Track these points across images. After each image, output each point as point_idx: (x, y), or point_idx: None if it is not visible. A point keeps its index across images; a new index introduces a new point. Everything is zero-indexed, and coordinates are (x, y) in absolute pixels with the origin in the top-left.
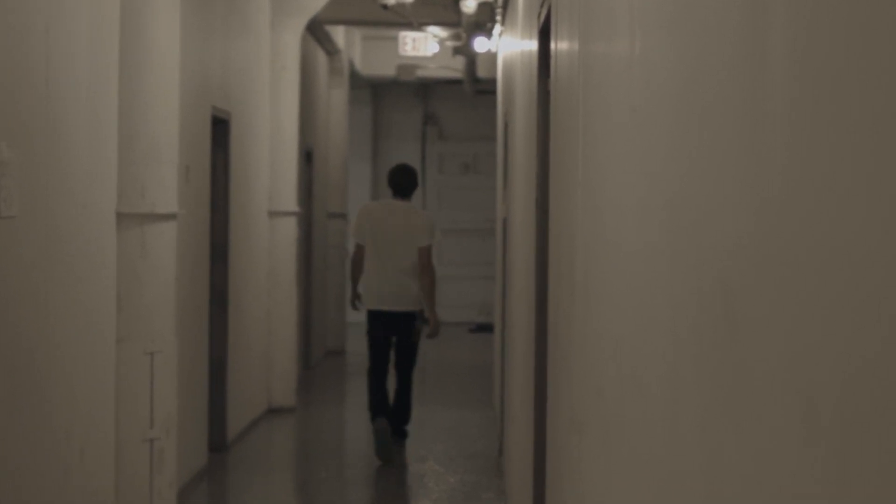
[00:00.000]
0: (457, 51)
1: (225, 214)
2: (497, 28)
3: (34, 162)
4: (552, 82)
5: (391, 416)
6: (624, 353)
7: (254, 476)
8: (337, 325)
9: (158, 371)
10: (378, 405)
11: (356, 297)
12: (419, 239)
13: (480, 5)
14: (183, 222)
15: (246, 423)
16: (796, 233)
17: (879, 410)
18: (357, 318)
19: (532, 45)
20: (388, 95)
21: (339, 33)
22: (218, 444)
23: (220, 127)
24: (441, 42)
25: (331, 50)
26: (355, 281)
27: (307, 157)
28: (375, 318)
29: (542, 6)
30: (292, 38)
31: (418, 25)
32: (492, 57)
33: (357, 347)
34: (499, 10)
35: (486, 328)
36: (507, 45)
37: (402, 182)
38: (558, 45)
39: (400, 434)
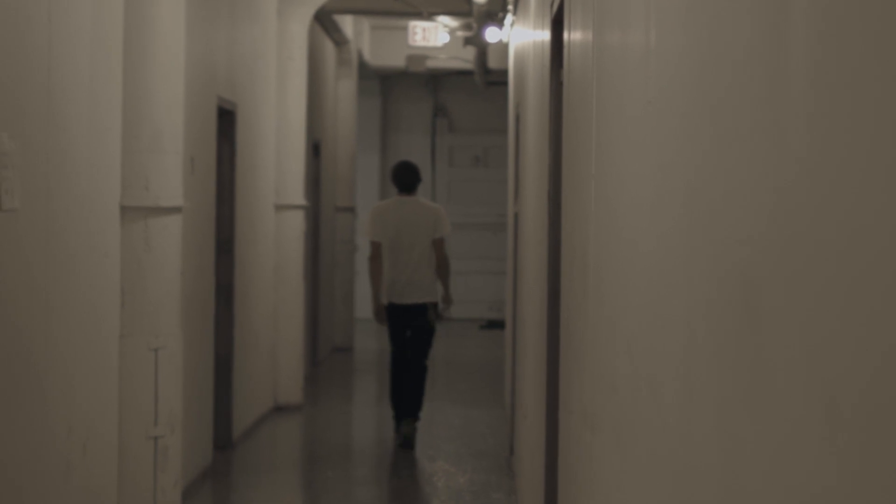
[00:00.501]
0: (467, 41)
1: (231, 208)
2: (509, 17)
3: (35, 153)
4: (565, 73)
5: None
6: (638, 349)
7: (259, 475)
8: (345, 321)
9: (163, 367)
10: (401, 405)
11: (381, 309)
12: (433, 231)
13: None
14: (188, 215)
15: (252, 420)
16: (815, 223)
17: None
18: (365, 315)
19: (544, 35)
20: (397, 87)
21: (347, 23)
22: (223, 442)
23: (226, 118)
24: (451, 32)
25: (339, 40)
26: (378, 285)
27: (314, 150)
28: (394, 311)
29: None
30: (300, 28)
31: (428, 15)
32: (503, 47)
33: (365, 344)
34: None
35: (496, 324)
36: (519, 35)
37: (406, 178)
38: (571, 36)
39: (411, 418)
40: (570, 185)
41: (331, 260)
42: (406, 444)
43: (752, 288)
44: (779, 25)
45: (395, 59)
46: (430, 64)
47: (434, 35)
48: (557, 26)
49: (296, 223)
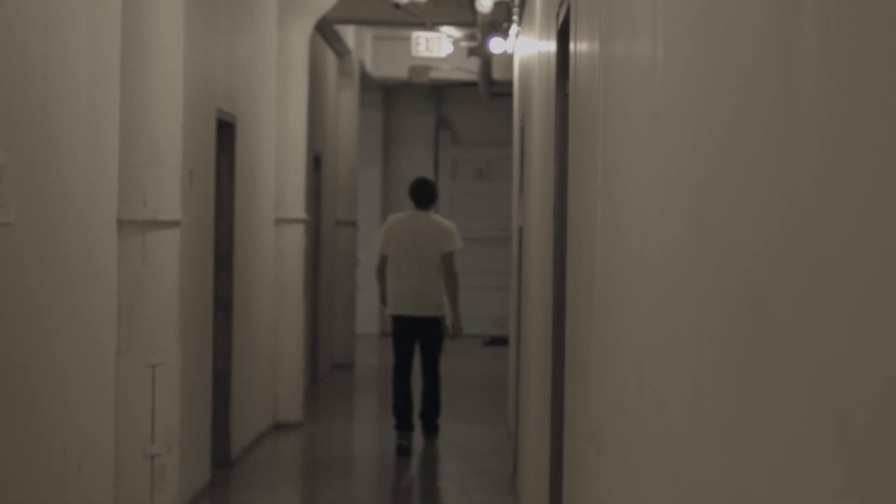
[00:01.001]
0: (471, 52)
1: (230, 221)
2: (513, 28)
3: (31, 166)
4: (571, 85)
5: (412, 425)
6: (645, 366)
7: (258, 493)
8: (345, 337)
9: (160, 384)
10: (402, 413)
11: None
12: (443, 246)
13: (496, 4)
14: (186, 229)
15: (251, 438)
16: (825, 237)
17: None
18: (366, 331)
19: (550, 46)
20: (399, 98)
21: (349, 33)
22: (221, 460)
23: (225, 130)
24: (455, 42)
25: (340, 50)
26: (384, 289)
27: (315, 162)
28: (400, 322)
29: (560, 6)
30: (300, 38)
31: (431, 25)
32: (508, 58)
33: (366, 360)
34: (515, 10)
35: (500, 341)
36: (524, 46)
37: (422, 194)
38: (578, 47)
39: (431, 428)
40: (576, 199)
41: (331, 275)
42: (404, 449)
43: (760, 303)
44: (788, 36)
45: (397, 70)
46: (434, 75)
47: (437, 46)
48: (563, 37)
49: (296, 237)
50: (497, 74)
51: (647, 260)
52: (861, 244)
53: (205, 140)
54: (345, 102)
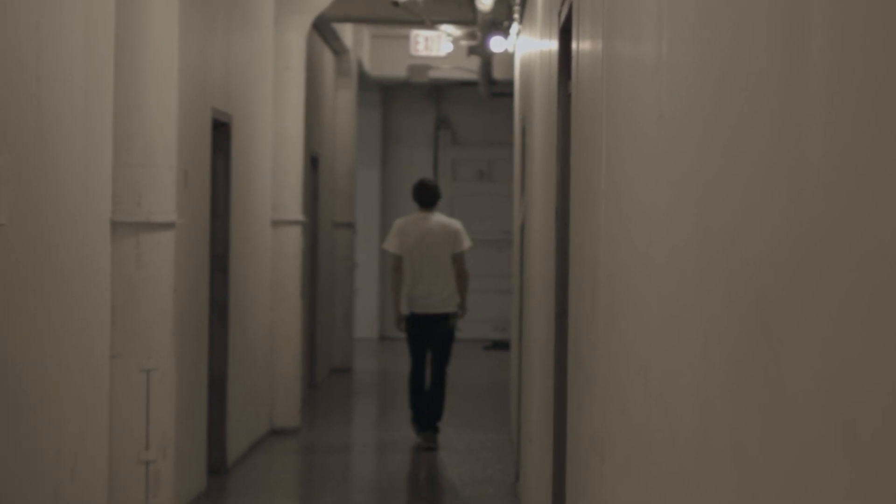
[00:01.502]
0: (472, 50)
1: (226, 223)
2: (514, 26)
3: (24, 166)
4: (573, 85)
5: (433, 425)
6: (650, 371)
7: (255, 501)
8: (344, 341)
9: (155, 389)
10: (421, 416)
11: (401, 318)
12: (454, 245)
13: (497, 2)
14: (181, 231)
15: (247, 444)
16: (834, 242)
17: None
18: (365, 335)
19: (552, 44)
20: (398, 98)
21: (346, 32)
22: (217, 466)
23: (221, 130)
24: (455, 41)
25: (338, 49)
26: (398, 296)
27: (313, 163)
28: (414, 321)
29: (563, 4)
30: (297, 37)
31: (431, 23)
32: (509, 57)
33: (365, 365)
34: (516, 8)
35: (501, 345)
36: (526, 45)
37: (427, 195)
38: (580, 46)
39: (433, 430)
40: (579, 201)
41: (329, 277)
42: (430, 448)
43: (768, 306)
44: (797, 36)
45: (396, 70)
46: (433, 74)
47: (437, 44)
48: (565, 36)
49: (293, 239)
50: (498, 74)
51: (653, 263)
52: (870, 248)
53: (200, 140)
54: (342, 102)
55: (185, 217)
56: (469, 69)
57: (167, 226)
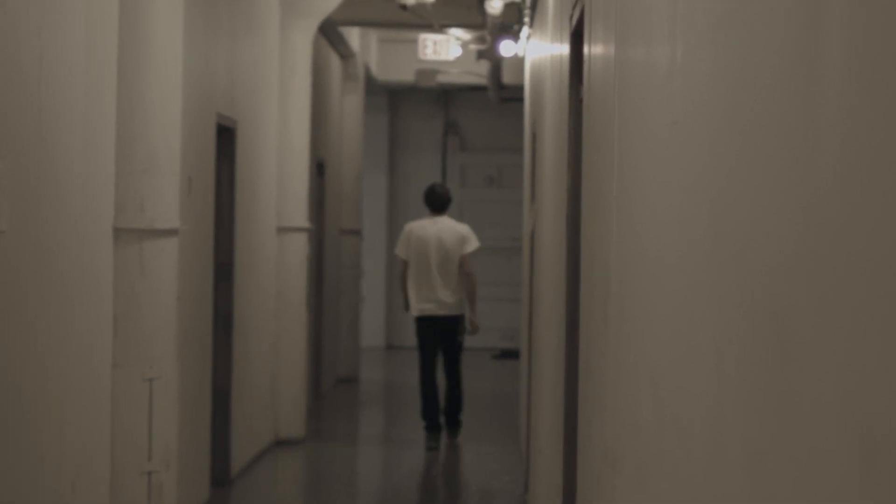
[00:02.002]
0: (481, 55)
1: (230, 230)
2: (525, 30)
3: (25, 172)
4: (585, 90)
5: (442, 425)
6: (663, 382)
7: None
8: (350, 350)
9: (157, 399)
10: (430, 413)
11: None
12: (461, 248)
13: (507, 6)
14: (185, 238)
15: (251, 455)
16: (849, 249)
17: None
18: (372, 344)
19: (563, 49)
20: (406, 102)
21: (353, 35)
22: (221, 478)
23: (226, 135)
24: (464, 45)
25: (345, 53)
26: (407, 293)
27: (319, 169)
28: (423, 323)
29: (574, 7)
30: (303, 41)
31: (439, 27)
32: (519, 62)
33: (372, 375)
34: (527, 11)
35: (510, 354)
36: (536, 49)
37: (438, 200)
38: (592, 50)
39: (454, 424)
40: (591, 208)
41: (335, 286)
42: (449, 441)
43: (782, 315)
44: (812, 42)
45: (404, 74)
46: (441, 79)
47: (445, 48)
48: (577, 40)
49: (299, 247)
50: (507, 78)
51: (665, 271)
52: (885, 252)
53: (204, 146)
54: (349, 107)
55: (188, 224)
56: (478, 73)
57: (171, 233)
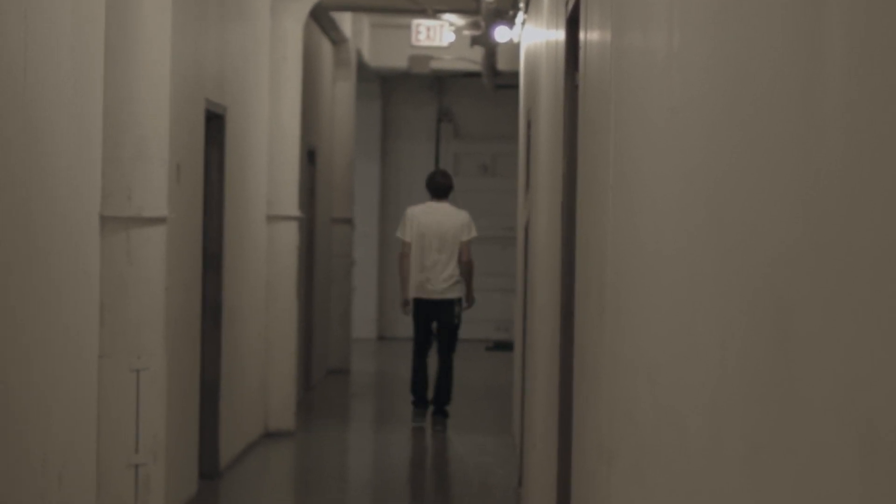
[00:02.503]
0: (475, 41)
1: (219, 219)
2: (520, 16)
3: (10, 160)
4: (581, 77)
5: (429, 402)
6: (660, 374)
7: None
8: (341, 341)
9: (145, 390)
10: (419, 389)
11: (408, 302)
12: (460, 234)
13: None
14: (173, 227)
15: (240, 448)
16: (852, 240)
17: None
18: (363, 335)
19: (559, 35)
20: (398, 89)
21: (345, 20)
22: (209, 470)
23: (215, 122)
24: (457, 31)
25: (337, 39)
26: (406, 280)
27: (310, 157)
28: (419, 305)
29: None
30: (294, 26)
31: (433, 13)
32: (513, 48)
33: (363, 366)
34: None
35: (504, 346)
36: (531, 35)
37: (440, 186)
38: (588, 36)
39: (441, 414)
40: (586, 197)
41: (326, 276)
42: (435, 423)
43: (782, 306)
44: (813, 28)
45: (396, 60)
46: (435, 65)
47: (439, 34)
48: (573, 26)
49: (289, 236)
50: (502, 65)
51: (663, 261)
52: (889, 244)
53: (193, 133)
54: (341, 94)
55: (177, 212)
56: (472, 60)
57: (159, 221)
